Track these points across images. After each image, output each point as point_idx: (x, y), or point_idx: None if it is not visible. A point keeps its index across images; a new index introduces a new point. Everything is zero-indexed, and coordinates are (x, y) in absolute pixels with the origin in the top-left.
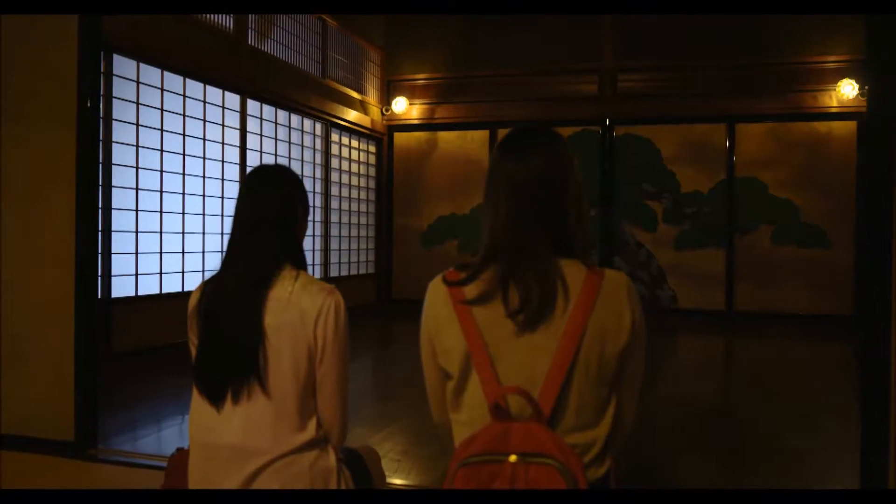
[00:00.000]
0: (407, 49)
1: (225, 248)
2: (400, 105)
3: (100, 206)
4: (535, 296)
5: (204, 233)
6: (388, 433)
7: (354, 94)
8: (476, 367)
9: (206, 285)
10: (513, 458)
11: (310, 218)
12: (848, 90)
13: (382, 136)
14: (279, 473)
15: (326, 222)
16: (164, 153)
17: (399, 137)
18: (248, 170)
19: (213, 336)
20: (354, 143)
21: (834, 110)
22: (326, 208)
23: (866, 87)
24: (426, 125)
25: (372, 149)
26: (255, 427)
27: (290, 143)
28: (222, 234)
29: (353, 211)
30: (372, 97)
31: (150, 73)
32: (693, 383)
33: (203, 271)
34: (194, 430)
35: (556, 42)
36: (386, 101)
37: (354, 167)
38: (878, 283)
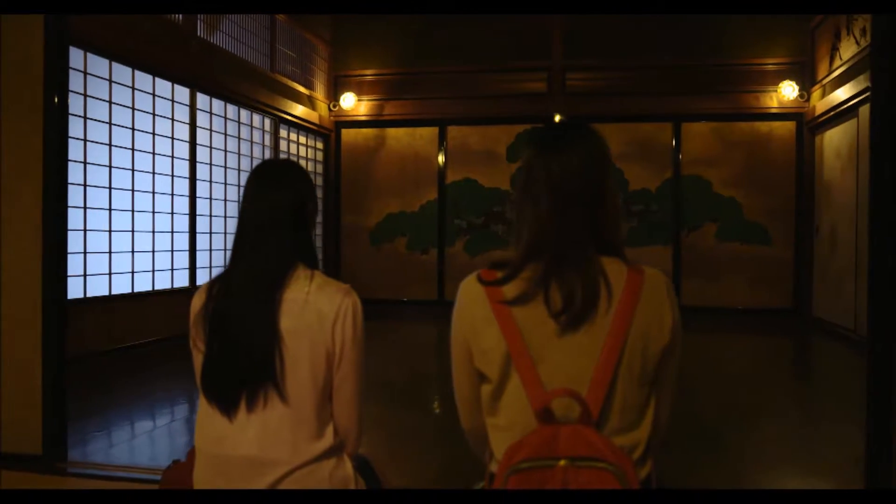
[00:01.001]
0: (354, 44)
1: (232, 247)
2: (348, 101)
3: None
4: (579, 295)
5: (154, 231)
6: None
7: (302, 90)
8: (518, 368)
9: (212, 287)
10: (563, 462)
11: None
12: (788, 91)
13: (330, 133)
14: (299, 484)
15: None
16: (112, 147)
17: (347, 134)
18: (197, 165)
19: (224, 341)
20: (302, 140)
21: (774, 111)
22: None
23: (807, 90)
24: (374, 121)
25: (319, 145)
26: (272, 436)
27: (239, 138)
28: (172, 231)
29: None
30: (320, 93)
31: (98, 64)
32: None
33: (153, 271)
34: (203, 441)
35: (506, 39)
36: (333, 96)
37: (302, 164)
38: (886, 284)
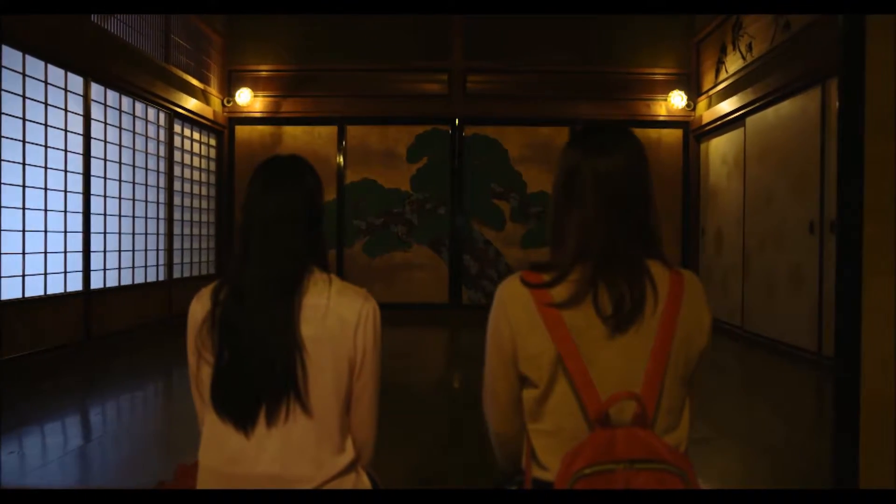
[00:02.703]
0: (250, 38)
1: (239, 250)
2: (244, 97)
3: None
4: (628, 297)
5: (46, 231)
6: None
7: (196, 83)
8: (571, 372)
9: (217, 292)
10: (623, 465)
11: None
12: (677, 101)
13: (223, 129)
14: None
15: (170, 219)
16: (1, 139)
17: (241, 131)
18: (91, 160)
19: (238, 350)
20: (196, 136)
21: (663, 118)
22: (170, 204)
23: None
24: (271, 119)
25: (212, 142)
26: (295, 452)
27: (134, 132)
28: (65, 231)
29: (194, 208)
30: (214, 87)
31: None
32: None
33: (45, 274)
34: (212, 460)
35: (407, 39)
36: (227, 91)
37: (196, 161)
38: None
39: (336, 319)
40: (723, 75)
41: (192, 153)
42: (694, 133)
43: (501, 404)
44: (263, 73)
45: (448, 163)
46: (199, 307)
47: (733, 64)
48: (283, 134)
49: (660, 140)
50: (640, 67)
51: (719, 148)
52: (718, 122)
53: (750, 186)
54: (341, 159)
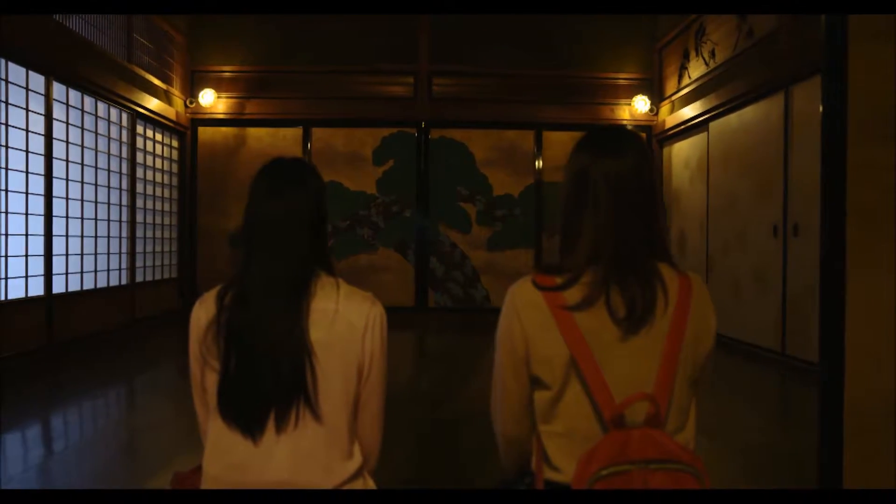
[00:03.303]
0: (213, 38)
1: (243, 254)
2: (207, 98)
3: None
4: (640, 299)
5: (7, 234)
6: None
7: (159, 83)
8: (585, 374)
9: (221, 296)
10: (638, 466)
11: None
12: (641, 105)
13: (186, 130)
14: None
15: (132, 222)
16: None
17: (204, 132)
18: (54, 161)
19: (246, 356)
20: (158, 137)
21: (626, 123)
22: (132, 207)
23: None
24: (234, 120)
25: (175, 143)
26: (305, 458)
27: (96, 133)
28: (27, 234)
29: (156, 210)
30: (176, 88)
31: None
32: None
33: (6, 279)
34: (218, 468)
35: (373, 41)
36: (190, 92)
37: (158, 162)
38: (833, 283)
39: (345, 324)
40: (686, 81)
41: (154, 155)
42: (657, 137)
43: (512, 407)
44: (227, 73)
45: (414, 165)
46: (202, 312)
47: (696, 70)
48: (247, 136)
49: None
50: (603, 72)
51: (682, 152)
52: (681, 127)
53: (713, 190)
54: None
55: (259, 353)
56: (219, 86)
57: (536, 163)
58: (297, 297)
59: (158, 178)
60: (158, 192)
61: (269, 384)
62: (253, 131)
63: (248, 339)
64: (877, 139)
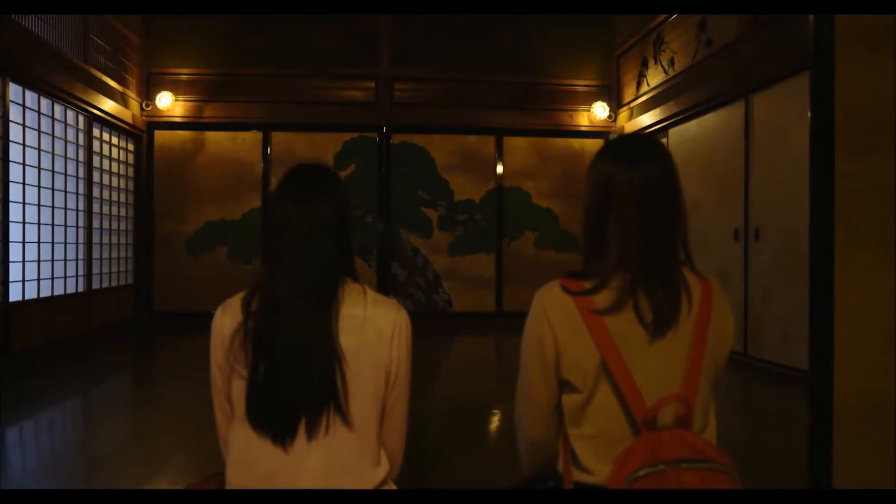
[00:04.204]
0: (169, 40)
1: (270, 261)
2: (164, 100)
3: None
4: (666, 304)
5: None
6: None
7: (116, 86)
8: (616, 377)
9: (247, 303)
10: (671, 466)
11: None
12: (600, 112)
13: (142, 133)
14: None
15: (89, 228)
16: None
17: (161, 136)
18: (9, 164)
19: (276, 363)
20: (115, 140)
21: (585, 129)
22: (89, 212)
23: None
24: (192, 124)
25: (131, 146)
26: (337, 465)
27: (53, 136)
28: None
29: (113, 215)
30: (132, 90)
31: None
32: (466, 383)
33: None
34: (245, 478)
35: (335, 45)
36: (146, 95)
37: (115, 166)
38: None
39: (374, 330)
40: (644, 88)
41: (111, 158)
42: None
43: (540, 411)
44: (184, 76)
45: (375, 170)
46: (227, 319)
47: (655, 77)
48: (206, 140)
49: (582, 150)
50: (562, 79)
51: None
52: (640, 133)
53: None
54: (266, 166)
55: (289, 360)
56: (176, 88)
57: (497, 168)
58: (326, 303)
59: (115, 182)
60: (115, 196)
61: (299, 391)
62: (211, 135)
63: (278, 346)
64: (862, 149)
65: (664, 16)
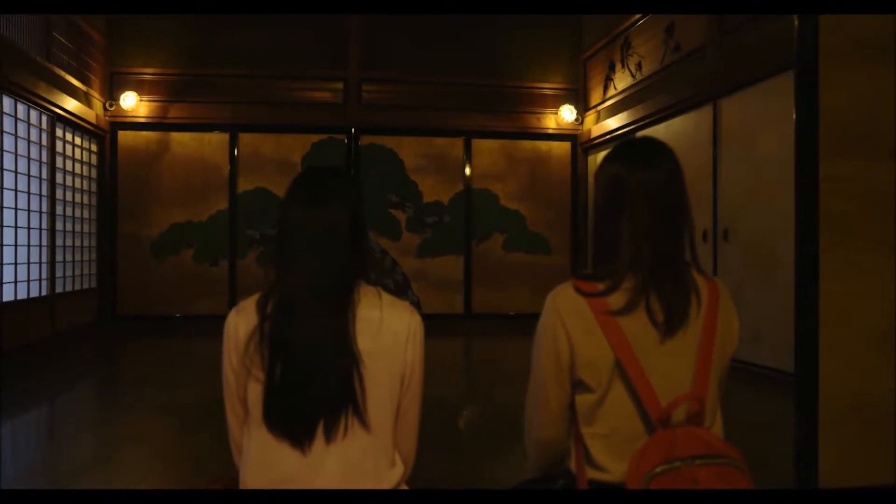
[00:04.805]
0: (134, 39)
1: (284, 263)
2: (129, 100)
3: None
4: (677, 304)
5: None
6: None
7: (79, 85)
8: (631, 376)
9: (262, 306)
10: (686, 462)
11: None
12: (567, 115)
13: (105, 134)
14: None
15: (52, 230)
16: None
17: (125, 136)
18: None
19: (293, 365)
20: (78, 140)
21: (552, 132)
22: (52, 214)
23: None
24: (157, 124)
25: (94, 147)
26: (356, 468)
27: (16, 136)
28: None
29: (76, 217)
30: (96, 89)
31: None
32: (436, 386)
33: None
34: (265, 482)
35: (303, 46)
36: (109, 95)
37: (78, 168)
38: (808, 288)
39: (390, 333)
40: (611, 91)
41: (74, 159)
42: (582, 146)
43: (552, 411)
44: (148, 76)
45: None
46: (241, 322)
47: (622, 81)
48: (171, 140)
49: (550, 152)
50: (530, 81)
51: None
52: (607, 137)
53: None
54: (233, 167)
55: (307, 363)
56: (140, 88)
57: (466, 170)
58: (343, 305)
59: (78, 183)
60: (78, 198)
61: (318, 393)
62: (177, 136)
63: (295, 349)
64: (845, 154)
65: (631, 20)
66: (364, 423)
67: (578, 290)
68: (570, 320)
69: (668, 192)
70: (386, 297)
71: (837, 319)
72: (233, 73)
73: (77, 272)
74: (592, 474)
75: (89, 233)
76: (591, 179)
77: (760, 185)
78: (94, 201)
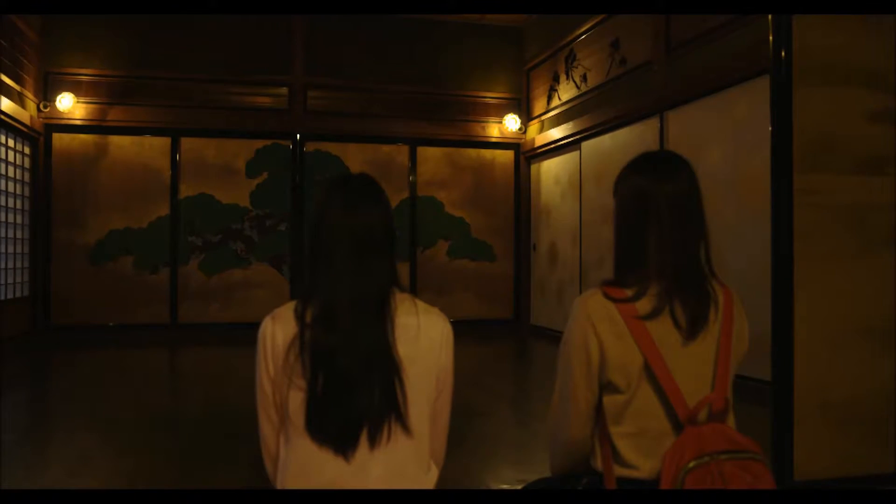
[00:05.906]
0: (71, 39)
1: (322, 271)
2: (65, 102)
3: None
4: (699, 310)
5: None
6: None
7: (13, 84)
8: (659, 377)
9: (301, 314)
10: (713, 458)
11: None
12: (511, 124)
13: (39, 136)
14: None
15: None
16: None
17: (60, 139)
18: None
19: (335, 373)
20: (10, 143)
21: (496, 140)
22: None
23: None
24: (95, 127)
25: (27, 150)
26: (399, 473)
27: None
28: None
29: (8, 223)
30: (29, 90)
31: None
32: None
33: None
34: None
35: (247, 50)
36: (44, 95)
37: (10, 171)
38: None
39: (427, 339)
40: (556, 102)
41: (6, 162)
42: (525, 155)
43: (581, 412)
44: (86, 77)
45: (289, 178)
46: (278, 330)
47: (566, 92)
48: (109, 144)
49: (493, 160)
50: (474, 91)
51: (552, 169)
52: (551, 146)
53: (586, 205)
54: (175, 172)
55: (351, 372)
56: (77, 90)
57: (411, 177)
58: (382, 313)
59: (10, 187)
60: (10, 203)
61: (362, 402)
62: (116, 139)
63: (339, 358)
64: (816, 167)
65: (575, 33)
66: (406, 428)
67: (607, 296)
68: (600, 325)
69: (689, 204)
70: (420, 303)
71: (806, 324)
72: (175, 76)
73: (9, 280)
74: (621, 472)
75: (22, 239)
76: (534, 187)
77: (706, 195)
78: (27, 206)
